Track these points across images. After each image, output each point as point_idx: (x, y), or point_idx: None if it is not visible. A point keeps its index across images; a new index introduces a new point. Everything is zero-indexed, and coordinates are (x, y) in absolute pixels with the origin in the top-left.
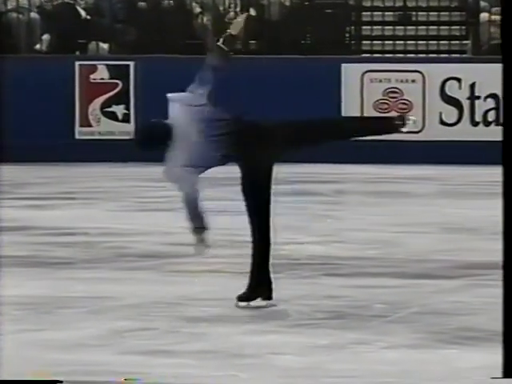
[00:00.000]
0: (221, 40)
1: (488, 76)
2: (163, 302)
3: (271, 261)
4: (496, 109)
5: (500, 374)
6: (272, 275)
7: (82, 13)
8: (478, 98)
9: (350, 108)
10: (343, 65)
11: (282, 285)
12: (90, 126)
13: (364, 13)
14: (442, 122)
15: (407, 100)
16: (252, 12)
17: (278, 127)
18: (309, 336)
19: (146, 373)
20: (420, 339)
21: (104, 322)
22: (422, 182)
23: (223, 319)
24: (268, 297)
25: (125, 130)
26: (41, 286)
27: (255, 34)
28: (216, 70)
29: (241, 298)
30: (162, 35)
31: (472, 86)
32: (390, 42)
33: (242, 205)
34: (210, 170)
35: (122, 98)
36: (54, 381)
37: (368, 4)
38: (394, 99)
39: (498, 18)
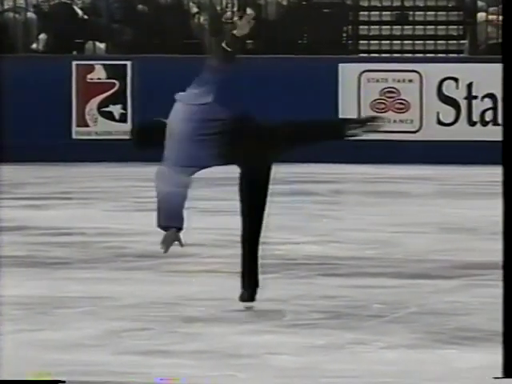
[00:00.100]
0: (224, 41)
1: (485, 76)
2: (161, 302)
3: (267, 261)
4: (493, 109)
5: (498, 374)
6: (260, 276)
7: (79, 12)
8: (476, 97)
9: (347, 108)
10: (340, 64)
11: (278, 285)
12: (87, 125)
13: (361, 12)
14: (440, 122)
15: (404, 100)
16: (249, 11)
17: (277, 127)
18: (306, 336)
19: (144, 373)
20: (418, 339)
21: (101, 322)
22: (420, 181)
23: (220, 319)
24: (251, 298)
25: (122, 130)
26: (38, 286)
27: (253, 33)
28: (218, 70)
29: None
30: (159, 35)
31: (469, 85)
32: (388, 41)
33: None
34: (207, 170)
35: (119, 97)
36: (55, 381)
37: (365, 4)
38: (391, 99)
39: (495, 17)
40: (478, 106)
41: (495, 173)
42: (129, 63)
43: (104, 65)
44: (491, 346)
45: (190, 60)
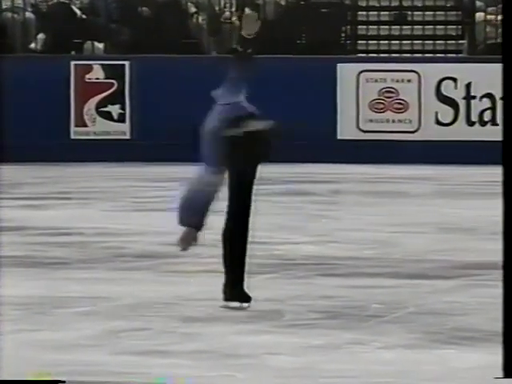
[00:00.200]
0: (235, 43)
1: (484, 76)
2: (159, 302)
3: (266, 261)
4: (492, 108)
5: (496, 374)
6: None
7: (78, 12)
8: (474, 97)
9: (345, 108)
10: (339, 64)
11: (277, 285)
12: (86, 125)
13: (360, 12)
14: (438, 122)
15: (403, 100)
16: (247, 11)
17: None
18: (304, 336)
19: (143, 373)
20: (416, 339)
21: (100, 322)
22: (418, 181)
23: (219, 319)
24: (229, 298)
25: (120, 130)
26: (37, 286)
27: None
28: (238, 70)
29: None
30: (158, 35)
31: (468, 85)
32: (386, 41)
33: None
34: None
35: (117, 97)
36: (55, 381)
37: (363, 4)
38: (390, 99)
39: (493, 17)
40: (477, 105)
41: (494, 173)
42: (127, 63)
43: (102, 65)
44: (489, 346)
45: (189, 60)
